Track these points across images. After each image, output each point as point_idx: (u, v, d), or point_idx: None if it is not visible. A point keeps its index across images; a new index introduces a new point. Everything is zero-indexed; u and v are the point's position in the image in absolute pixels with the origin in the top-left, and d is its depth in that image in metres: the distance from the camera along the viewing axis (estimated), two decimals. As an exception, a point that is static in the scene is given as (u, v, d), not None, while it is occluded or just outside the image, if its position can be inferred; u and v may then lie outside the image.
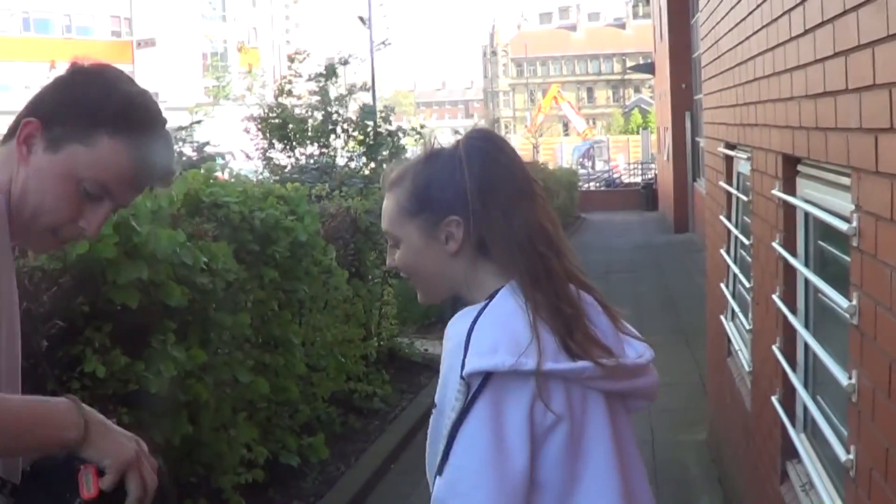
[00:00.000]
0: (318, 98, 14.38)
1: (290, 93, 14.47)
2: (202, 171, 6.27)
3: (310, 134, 14.10)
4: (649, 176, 44.04)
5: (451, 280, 2.11)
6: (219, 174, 6.59)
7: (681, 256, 21.17)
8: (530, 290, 1.96)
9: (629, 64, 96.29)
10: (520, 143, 60.62)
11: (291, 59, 14.73)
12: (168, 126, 2.11)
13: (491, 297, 2.00)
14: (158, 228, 4.54)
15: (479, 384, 1.85)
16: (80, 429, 1.82)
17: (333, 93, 14.45)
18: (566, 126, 63.66)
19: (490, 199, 2.02)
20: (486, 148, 2.09)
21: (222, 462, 5.53)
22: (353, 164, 14.22)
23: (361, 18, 33.62)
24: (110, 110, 1.96)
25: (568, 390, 1.93)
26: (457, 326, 1.95)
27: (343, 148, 14.56)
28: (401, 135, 14.49)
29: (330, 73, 14.44)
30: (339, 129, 14.40)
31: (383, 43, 24.01)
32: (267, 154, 14.35)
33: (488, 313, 1.94)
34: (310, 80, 14.51)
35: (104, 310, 4.28)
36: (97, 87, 1.99)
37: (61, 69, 2.08)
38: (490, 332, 1.90)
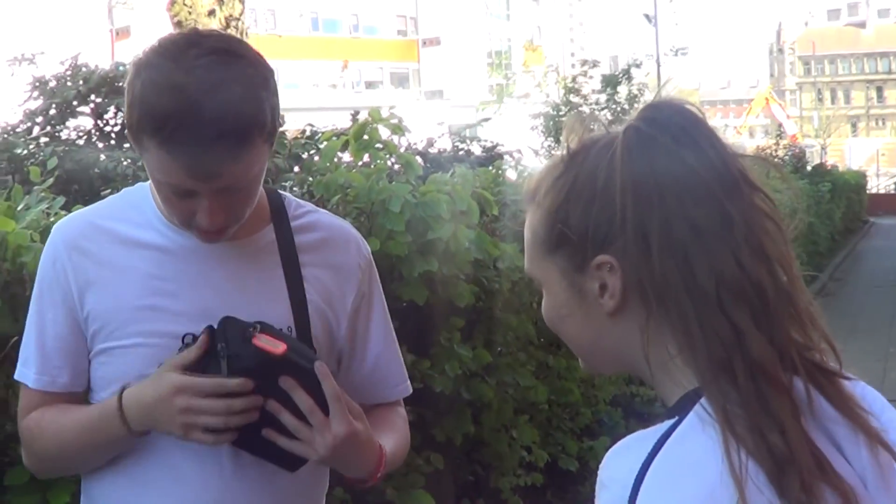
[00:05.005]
0: (606, 97, 14.53)
1: (577, 91, 14.65)
2: (491, 169, 6.27)
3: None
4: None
5: (615, 354, 1.31)
6: (508, 174, 6.57)
7: (975, 264, 20.30)
8: (719, 397, 1.14)
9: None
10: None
11: (583, 63, 14.96)
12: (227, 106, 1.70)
13: (677, 408, 1.21)
14: (458, 224, 4.52)
15: None
16: (122, 426, 1.86)
17: (623, 91, 14.56)
18: (777, 128, 60.34)
19: (654, 226, 1.18)
20: (658, 138, 1.20)
21: (502, 463, 5.49)
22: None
23: (647, 16, 33.22)
24: (136, 112, 1.73)
25: None
26: (617, 469, 1.22)
27: None
28: None
29: (623, 76, 14.57)
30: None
31: (679, 51, 23.81)
32: (553, 152, 14.58)
33: (666, 455, 1.15)
34: (605, 84, 14.71)
35: (392, 308, 4.28)
36: (131, 85, 1.74)
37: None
38: (666, 493, 1.12)
